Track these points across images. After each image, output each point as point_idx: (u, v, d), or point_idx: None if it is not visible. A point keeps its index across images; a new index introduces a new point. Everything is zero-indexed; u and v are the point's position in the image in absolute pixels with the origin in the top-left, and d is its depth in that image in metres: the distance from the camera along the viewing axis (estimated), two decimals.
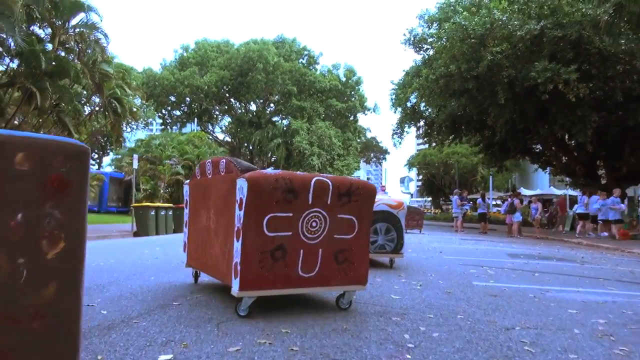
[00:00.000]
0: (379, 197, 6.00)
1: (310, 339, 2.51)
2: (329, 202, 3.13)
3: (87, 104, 22.94)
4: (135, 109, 34.06)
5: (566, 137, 20.61)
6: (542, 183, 38.86)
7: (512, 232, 16.65)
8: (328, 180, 3.12)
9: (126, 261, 5.98)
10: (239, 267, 2.89)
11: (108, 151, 39.54)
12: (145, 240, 11.28)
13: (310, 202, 3.06)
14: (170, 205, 17.45)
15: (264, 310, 3.12)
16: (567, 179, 26.60)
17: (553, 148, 23.64)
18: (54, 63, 16.33)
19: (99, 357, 2.09)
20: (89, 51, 17.93)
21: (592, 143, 18.29)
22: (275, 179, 2.92)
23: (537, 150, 25.76)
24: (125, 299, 3.47)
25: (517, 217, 16.76)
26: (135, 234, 14.62)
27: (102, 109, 20.68)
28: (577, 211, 17.32)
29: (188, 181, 4.30)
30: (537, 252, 9.48)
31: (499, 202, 36.95)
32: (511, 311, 3.50)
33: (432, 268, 6.08)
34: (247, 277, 2.89)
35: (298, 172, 3.11)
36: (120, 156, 34.16)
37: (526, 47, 17.34)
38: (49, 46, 16.94)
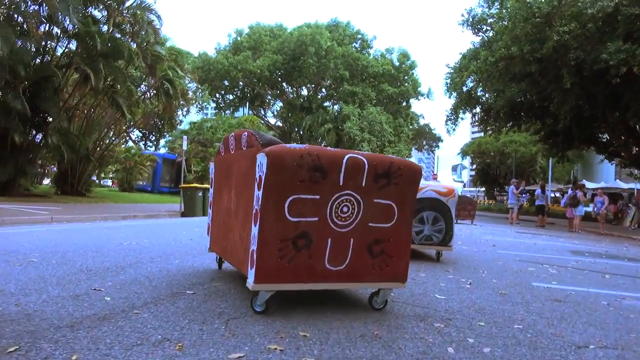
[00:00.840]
0: (427, 183, 5.47)
1: (331, 347, 2.08)
2: (363, 183, 2.66)
3: (145, 83, 23.41)
4: (190, 93, 34.67)
5: (633, 125, 18.86)
6: (608, 176, 36.48)
7: (574, 226, 15.45)
8: (363, 158, 2.65)
9: (159, 242, 5.79)
10: (255, 256, 2.49)
11: (165, 133, 40.63)
12: (189, 220, 11.25)
13: (341, 183, 2.60)
14: None
15: (283, 307, 2.72)
16: (637, 171, 24.57)
17: (622, 138, 21.80)
18: (109, 44, 16.62)
19: (74, 358, 1.76)
20: (143, 33, 18.12)
21: None
22: (301, 154, 2.49)
23: (604, 140, 23.88)
24: (137, 284, 3.18)
25: (580, 210, 15.53)
26: (183, 215, 14.73)
27: (154, 91, 20.98)
28: None
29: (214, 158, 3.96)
30: (604, 250, 8.56)
31: (557, 194, 34.88)
32: (581, 322, 2.92)
33: (485, 264, 5.48)
34: (264, 267, 2.49)
35: (328, 148, 2.66)
36: (173, 138, 35.02)
37: (597, 27, 15.87)
38: (104, 28, 17.26)
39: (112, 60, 17.04)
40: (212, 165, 3.91)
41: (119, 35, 18.28)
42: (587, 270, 5.52)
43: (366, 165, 2.64)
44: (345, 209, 2.64)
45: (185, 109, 29.65)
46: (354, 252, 2.69)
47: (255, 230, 2.51)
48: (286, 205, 2.50)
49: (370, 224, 2.72)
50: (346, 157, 2.59)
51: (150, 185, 29.96)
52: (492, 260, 5.88)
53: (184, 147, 18.53)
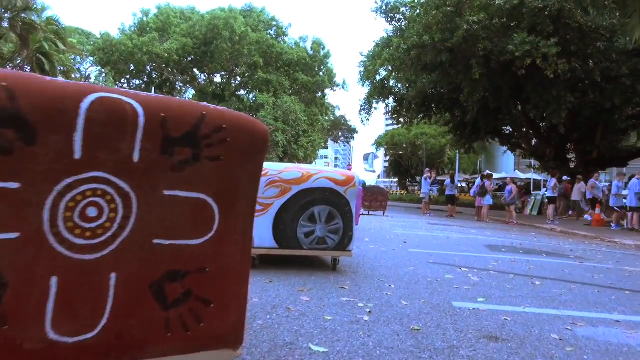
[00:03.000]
0: (320, 168, 4.22)
1: None
2: (136, 157, 1.26)
3: (20, 58, 20.15)
4: (92, 77, 31.05)
5: (533, 117, 19.45)
6: (508, 167, 38.59)
7: (482, 216, 15.29)
8: (133, 102, 1.24)
9: None
10: None
11: None
12: None
13: (78, 156, 1.18)
14: None
15: None
16: (535, 162, 25.73)
17: (524, 129, 22.57)
18: None
19: None
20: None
21: (565, 125, 17.13)
22: None
23: (507, 132, 24.71)
24: None
25: (488, 200, 15.41)
26: None
27: (26, 65, 18.01)
28: (547, 195, 16.21)
29: None
30: (519, 243, 7.95)
31: (464, 184, 36.22)
32: None
33: (393, 271, 4.34)
34: None
35: (47, 77, 1.22)
36: None
37: (502, 23, 15.90)
38: None
39: None
40: None
41: None
42: (512, 274, 4.59)
43: (141, 118, 1.24)
44: (93, 213, 1.23)
45: None
46: (120, 301, 1.29)
47: None
48: None
49: (156, 241, 1.33)
50: (90, 97, 1.17)
51: None
52: (403, 264, 4.78)
53: None
